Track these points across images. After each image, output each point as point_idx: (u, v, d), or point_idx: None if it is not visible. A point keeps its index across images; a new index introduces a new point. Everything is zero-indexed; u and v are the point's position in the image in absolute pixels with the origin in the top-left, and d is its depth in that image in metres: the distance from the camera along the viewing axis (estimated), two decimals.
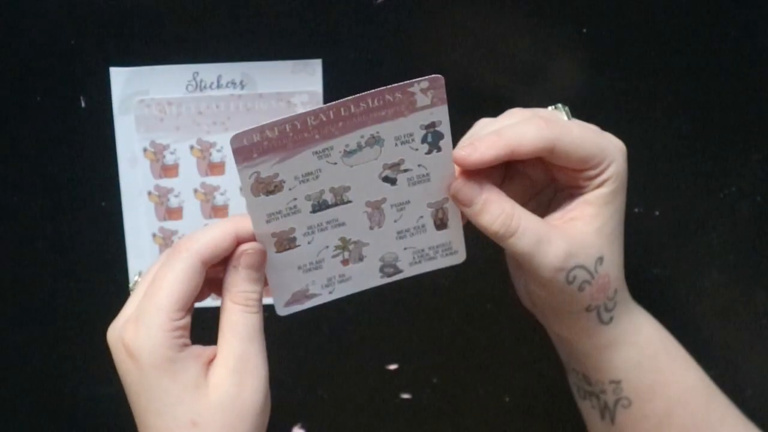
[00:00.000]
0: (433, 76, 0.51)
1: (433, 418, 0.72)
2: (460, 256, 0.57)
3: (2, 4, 0.61)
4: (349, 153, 0.52)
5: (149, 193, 0.64)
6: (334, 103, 0.50)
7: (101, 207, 0.65)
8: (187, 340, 0.52)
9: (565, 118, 0.57)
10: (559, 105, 0.58)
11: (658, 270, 0.70)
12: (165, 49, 0.62)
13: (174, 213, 0.65)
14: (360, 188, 0.53)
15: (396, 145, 0.52)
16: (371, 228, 0.55)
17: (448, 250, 0.57)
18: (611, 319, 0.59)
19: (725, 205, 0.68)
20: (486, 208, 0.54)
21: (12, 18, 0.61)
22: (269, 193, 0.52)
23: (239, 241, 0.53)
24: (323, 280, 0.56)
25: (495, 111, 0.58)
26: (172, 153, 0.64)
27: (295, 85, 0.63)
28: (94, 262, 0.67)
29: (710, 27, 0.64)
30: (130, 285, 0.56)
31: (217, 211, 0.65)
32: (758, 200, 0.68)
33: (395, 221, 0.55)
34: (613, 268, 0.58)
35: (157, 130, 0.63)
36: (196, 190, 0.65)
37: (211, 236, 0.52)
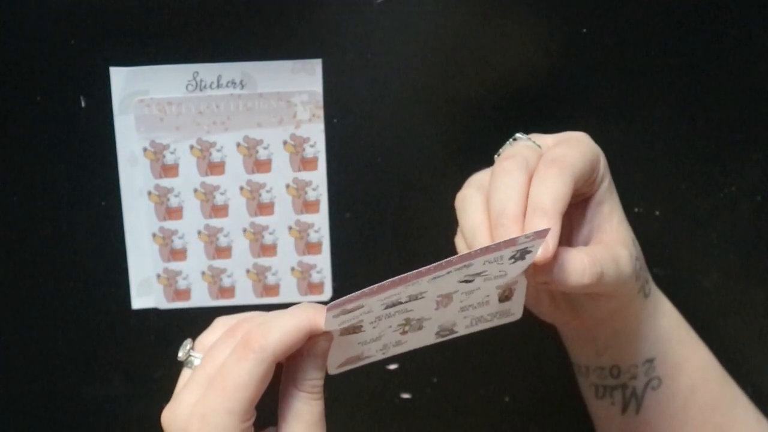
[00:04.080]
0: (543, 230, 0.49)
1: (433, 418, 0.72)
2: (516, 316, 0.56)
3: (2, 4, 0.61)
4: (434, 278, 0.50)
5: (149, 193, 0.64)
6: (434, 265, 0.48)
7: (101, 207, 0.65)
8: None
9: (532, 143, 0.57)
10: (518, 136, 0.57)
11: (658, 270, 0.69)
12: (165, 49, 0.62)
13: (174, 213, 0.65)
14: (436, 290, 0.51)
15: (483, 264, 0.50)
16: (437, 309, 0.53)
17: (506, 315, 0.56)
18: (650, 289, 0.61)
19: (725, 205, 0.68)
20: (570, 269, 0.53)
21: (12, 18, 0.61)
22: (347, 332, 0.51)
23: (311, 335, 0.50)
24: (380, 346, 0.54)
25: (495, 111, 0.58)
26: (172, 153, 0.64)
27: (295, 84, 0.63)
28: (94, 262, 0.67)
29: (710, 27, 0.64)
30: (181, 354, 0.53)
31: (217, 210, 0.65)
32: (758, 200, 0.68)
33: (461, 302, 0.53)
34: (638, 243, 0.60)
35: (157, 129, 0.63)
36: (196, 190, 0.65)
37: (285, 332, 0.49)
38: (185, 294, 0.67)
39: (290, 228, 0.66)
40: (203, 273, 0.66)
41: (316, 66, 0.63)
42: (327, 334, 0.50)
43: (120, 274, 0.66)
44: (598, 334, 0.62)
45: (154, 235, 0.65)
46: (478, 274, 0.51)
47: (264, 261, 0.67)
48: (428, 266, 0.48)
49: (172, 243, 0.66)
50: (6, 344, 0.69)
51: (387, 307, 0.50)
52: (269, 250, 0.66)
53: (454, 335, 0.55)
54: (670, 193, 0.68)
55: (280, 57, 0.62)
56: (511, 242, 0.49)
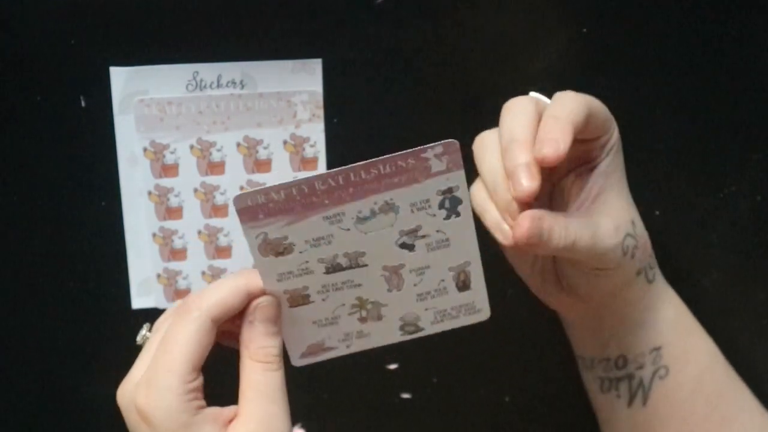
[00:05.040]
0: (447, 141, 0.48)
1: (433, 418, 0.72)
2: (484, 314, 0.55)
3: (2, 4, 0.61)
4: (362, 219, 0.50)
5: (149, 193, 0.64)
6: (343, 168, 0.48)
7: (101, 207, 0.65)
8: (202, 402, 0.50)
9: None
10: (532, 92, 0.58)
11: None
12: (165, 49, 0.62)
13: (174, 212, 0.65)
14: (376, 253, 0.51)
15: (412, 211, 0.50)
16: (389, 290, 0.53)
17: (471, 309, 0.55)
18: (654, 276, 0.62)
19: (725, 205, 0.68)
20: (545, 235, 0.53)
21: (12, 18, 0.61)
22: (279, 254, 0.50)
23: (251, 297, 0.51)
24: (340, 334, 0.54)
25: (494, 111, 0.58)
26: (172, 152, 0.64)
27: (295, 84, 0.63)
28: (94, 262, 0.67)
29: (710, 27, 0.64)
30: (138, 338, 0.54)
31: (217, 210, 0.65)
32: (758, 200, 0.68)
33: (415, 285, 0.53)
34: (642, 226, 0.60)
35: (157, 129, 0.63)
36: (196, 190, 0.65)
37: (221, 294, 0.50)
38: (185, 294, 0.66)
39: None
40: (203, 273, 0.66)
41: (316, 66, 0.63)
42: (271, 297, 0.51)
43: (120, 274, 0.66)
44: (604, 321, 0.62)
45: (154, 235, 0.65)
46: (415, 233, 0.50)
47: None
48: (337, 169, 0.48)
49: (172, 243, 0.66)
50: (6, 344, 0.69)
51: (328, 270, 0.51)
52: None
53: (421, 332, 0.55)
54: (670, 193, 0.68)
55: (280, 57, 0.62)
56: (419, 152, 0.48)
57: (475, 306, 0.54)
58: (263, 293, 0.51)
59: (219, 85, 0.63)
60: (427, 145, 0.48)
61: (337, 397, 0.71)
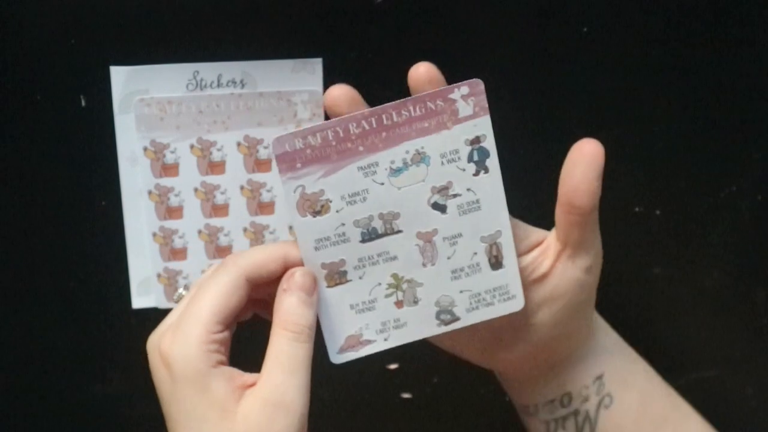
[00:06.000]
0: (472, 80, 0.50)
1: (433, 418, 0.72)
2: (518, 302, 0.54)
3: (2, 4, 0.61)
4: (395, 171, 0.51)
5: (149, 192, 0.64)
6: (374, 108, 0.50)
7: (101, 206, 0.65)
8: (223, 357, 0.50)
9: None
10: None
11: (658, 270, 0.70)
12: (165, 48, 0.62)
13: (174, 212, 0.65)
14: (409, 216, 0.52)
15: (442, 163, 0.51)
16: (424, 265, 0.53)
17: (506, 295, 0.54)
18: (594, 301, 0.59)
19: (725, 205, 0.68)
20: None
21: (12, 17, 0.61)
22: (316, 213, 0.51)
23: (287, 266, 0.52)
24: (377, 324, 0.54)
25: (494, 110, 0.58)
26: (172, 152, 0.64)
27: (295, 84, 0.63)
28: (94, 261, 0.67)
29: (710, 27, 0.64)
30: (175, 297, 0.55)
31: (217, 210, 0.65)
32: (758, 200, 0.68)
33: (448, 258, 0.53)
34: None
35: (157, 129, 0.63)
36: (196, 189, 0.65)
37: (259, 255, 0.51)
38: None
39: (291, 227, 0.66)
40: (204, 272, 0.66)
41: (316, 65, 0.63)
42: (307, 268, 0.52)
43: (120, 273, 0.66)
44: (549, 364, 0.59)
45: (154, 235, 0.65)
46: (446, 191, 0.51)
47: None
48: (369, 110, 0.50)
49: (172, 242, 0.66)
50: (6, 344, 0.69)
51: (364, 237, 0.52)
52: None
53: (457, 323, 0.54)
54: (670, 193, 0.68)
55: (281, 56, 0.62)
56: (446, 92, 0.50)
57: (509, 290, 0.54)
58: (301, 264, 0.52)
59: (219, 85, 0.63)
60: (453, 85, 0.50)
61: (337, 397, 0.71)
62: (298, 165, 0.50)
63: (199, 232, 0.65)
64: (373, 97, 0.65)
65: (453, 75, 0.65)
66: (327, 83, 0.63)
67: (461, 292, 0.54)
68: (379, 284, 0.53)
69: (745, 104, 0.66)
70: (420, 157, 0.51)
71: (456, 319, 0.54)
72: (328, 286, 0.53)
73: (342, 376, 0.70)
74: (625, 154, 0.65)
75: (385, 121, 0.50)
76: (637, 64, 0.65)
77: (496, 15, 0.63)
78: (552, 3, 0.63)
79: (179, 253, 0.66)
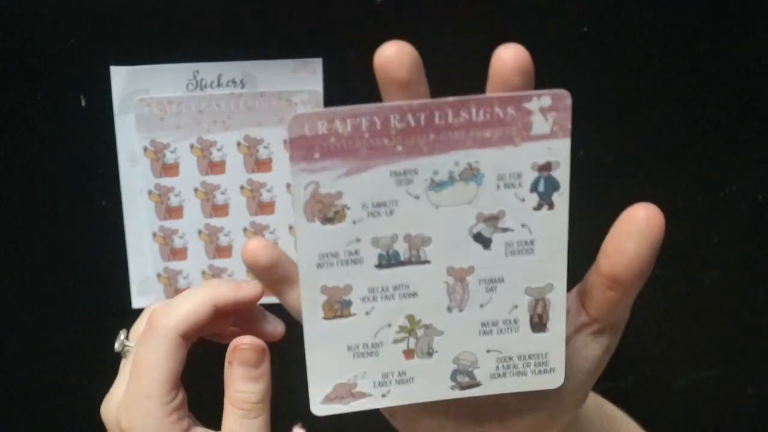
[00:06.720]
0: (558, 91, 0.39)
1: None
2: (557, 378, 0.43)
3: (2, 4, 0.61)
4: (437, 185, 0.40)
5: (149, 192, 0.65)
6: (427, 101, 0.39)
7: (101, 206, 0.65)
8: (186, 421, 0.48)
9: None
10: None
11: (658, 270, 0.69)
12: (165, 48, 0.62)
13: (174, 212, 0.65)
14: (443, 244, 0.41)
15: (498, 187, 0.40)
16: (449, 309, 0.42)
17: (543, 366, 0.43)
18: None
19: (725, 205, 0.68)
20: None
21: (12, 17, 0.61)
22: (327, 220, 0.40)
23: (218, 312, 0.48)
24: (377, 374, 0.43)
25: None
26: (172, 152, 0.64)
27: (295, 84, 0.63)
28: (94, 261, 0.67)
29: (710, 26, 0.64)
30: (116, 346, 0.52)
31: (217, 210, 0.65)
32: (758, 200, 0.68)
33: (481, 306, 0.42)
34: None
35: (157, 128, 0.63)
36: (196, 189, 0.65)
37: (186, 309, 0.47)
38: None
39: (291, 227, 0.66)
40: (204, 272, 0.66)
41: (316, 65, 0.63)
42: (252, 339, 0.47)
43: (120, 273, 0.66)
44: None
45: (154, 235, 0.65)
46: (495, 222, 0.41)
47: None
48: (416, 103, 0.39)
49: (172, 242, 0.66)
50: (6, 344, 0.69)
51: (381, 261, 0.41)
52: None
53: (476, 389, 0.44)
54: (670, 193, 0.68)
55: (281, 56, 0.62)
56: (522, 99, 0.39)
57: (548, 361, 0.43)
58: (231, 307, 0.49)
59: (219, 85, 0.63)
60: (533, 92, 0.39)
61: None
62: (316, 155, 0.39)
63: (199, 232, 0.65)
64: (373, 99, 0.65)
65: (453, 75, 0.65)
66: (327, 83, 0.63)
67: (488, 351, 0.43)
68: (389, 325, 0.42)
69: (745, 104, 0.66)
70: (472, 174, 0.40)
71: (475, 384, 0.43)
72: (325, 318, 0.42)
73: None
74: (625, 154, 0.65)
75: (437, 120, 0.39)
76: (637, 63, 0.65)
77: (497, 15, 0.63)
78: (552, 3, 0.63)
79: (179, 253, 0.66)
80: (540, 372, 0.43)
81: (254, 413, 0.48)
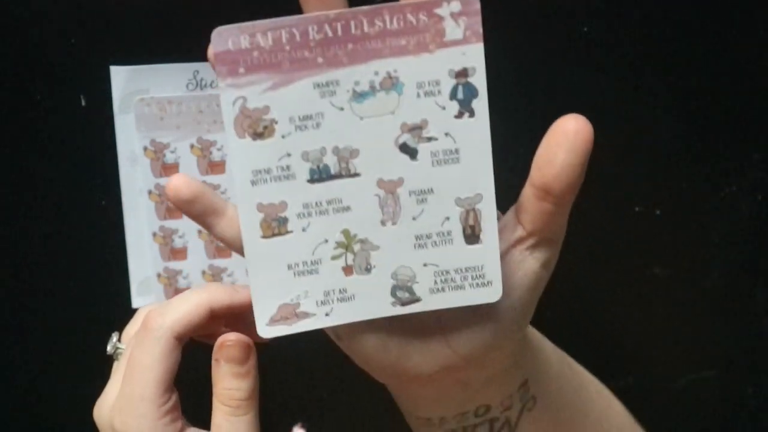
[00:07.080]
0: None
1: None
2: (494, 291, 0.44)
3: (2, 3, 0.61)
4: (359, 96, 0.41)
5: (149, 192, 0.65)
6: (342, 11, 0.40)
7: (101, 206, 0.65)
8: (180, 423, 0.48)
9: None
10: None
11: (658, 270, 0.70)
12: (165, 48, 0.62)
13: (174, 211, 0.65)
14: (371, 156, 0.42)
15: (418, 95, 0.41)
16: (383, 223, 0.43)
17: (480, 279, 0.44)
18: None
19: (725, 205, 0.68)
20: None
21: (12, 17, 0.61)
22: (257, 135, 0.41)
23: (213, 314, 0.49)
24: (319, 293, 0.44)
25: (495, 110, 0.57)
26: (172, 152, 0.64)
27: None
28: (94, 261, 0.67)
29: (710, 27, 0.64)
30: (109, 348, 0.53)
31: None
32: (758, 200, 0.68)
33: (414, 219, 0.43)
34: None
35: (157, 128, 0.63)
36: None
37: (183, 310, 0.48)
38: None
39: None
40: (204, 272, 0.66)
41: None
42: (238, 336, 0.47)
43: (120, 273, 0.66)
44: (475, 374, 0.48)
45: (154, 234, 0.65)
46: (419, 131, 0.42)
47: None
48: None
49: (172, 242, 0.66)
50: (6, 344, 0.69)
51: (313, 175, 0.42)
52: None
53: (417, 305, 0.44)
54: (670, 193, 0.68)
55: None
56: (432, 5, 0.40)
57: (484, 273, 0.43)
58: (227, 311, 0.49)
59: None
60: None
61: (337, 397, 0.71)
62: (241, 70, 0.40)
63: (200, 231, 0.65)
64: None
65: None
66: None
67: (425, 265, 0.43)
68: (326, 241, 0.43)
69: (745, 104, 0.66)
70: (391, 83, 0.41)
71: (416, 299, 0.44)
72: (264, 237, 0.42)
73: (342, 376, 0.70)
74: (625, 154, 0.65)
75: (353, 30, 0.40)
76: (637, 64, 0.65)
77: (497, 15, 0.63)
78: (552, 3, 0.63)
79: (179, 253, 0.66)
80: (478, 285, 0.44)
81: (242, 410, 0.48)
